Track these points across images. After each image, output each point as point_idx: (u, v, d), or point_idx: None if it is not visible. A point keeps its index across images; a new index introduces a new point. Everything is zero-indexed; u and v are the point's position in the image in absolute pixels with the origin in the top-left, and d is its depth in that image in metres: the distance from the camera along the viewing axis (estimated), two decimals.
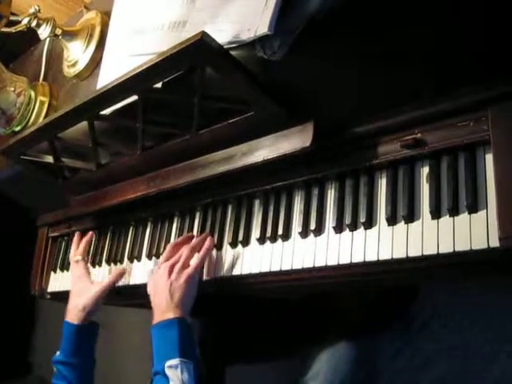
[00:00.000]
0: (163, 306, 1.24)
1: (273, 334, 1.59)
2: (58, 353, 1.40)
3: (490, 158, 0.96)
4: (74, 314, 1.40)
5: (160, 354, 1.20)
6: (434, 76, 0.98)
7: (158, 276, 1.29)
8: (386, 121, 1.06)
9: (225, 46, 1.06)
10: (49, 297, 1.92)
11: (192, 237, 1.39)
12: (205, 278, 1.32)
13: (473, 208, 0.96)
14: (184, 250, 1.31)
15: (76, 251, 1.57)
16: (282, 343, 1.60)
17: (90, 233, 1.60)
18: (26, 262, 2.01)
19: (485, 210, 0.95)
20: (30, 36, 1.54)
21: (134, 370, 2.55)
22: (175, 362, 1.16)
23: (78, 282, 1.47)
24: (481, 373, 1.63)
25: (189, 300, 1.27)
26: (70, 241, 1.87)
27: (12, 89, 1.60)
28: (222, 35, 1.07)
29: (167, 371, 1.15)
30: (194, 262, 1.29)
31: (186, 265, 1.29)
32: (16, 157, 1.52)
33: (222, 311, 1.59)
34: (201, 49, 1.02)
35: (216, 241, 1.35)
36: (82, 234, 1.64)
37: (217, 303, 1.55)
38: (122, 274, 1.48)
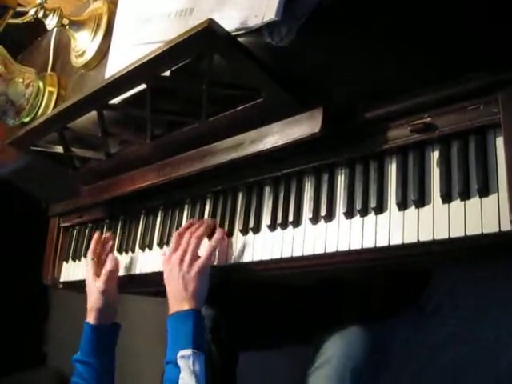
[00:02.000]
0: (178, 297, 1.25)
1: (286, 320, 1.59)
2: (78, 351, 1.41)
3: (500, 141, 0.95)
4: (89, 314, 1.42)
5: (174, 345, 1.21)
6: (444, 59, 0.97)
7: (169, 267, 1.30)
8: (395, 105, 1.05)
9: (232, 33, 1.06)
10: (61, 286, 1.93)
11: (194, 222, 1.39)
12: (216, 264, 1.32)
13: (484, 192, 0.95)
14: (191, 240, 1.31)
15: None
16: (295, 329, 1.60)
17: (97, 233, 1.61)
18: (40, 252, 2.02)
19: (496, 194, 0.94)
20: (37, 27, 1.54)
21: (146, 357, 2.57)
22: (188, 352, 1.18)
23: (87, 282, 1.48)
24: (494, 356, 1.63)
25: (203, 291, 1.28)
26: (82, 230, 1.88)
27: (20, 80, 1.60)
28: (229, 22, 1.07)
29: (179, 361, 1.17)
30: (205, 252, 1.30)
31: (195, 255, 1.29)
32: (26, 148, 1.53)
33: (234, 298, 1.59)
34: (208, 36, 1.02)
35: (227, 228, 1.36)
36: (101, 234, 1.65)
37: (229, 290, 1.56)
38: (114, 269, 1.48)
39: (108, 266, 1.47)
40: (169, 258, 1.32)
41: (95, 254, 1.54)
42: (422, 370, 1.74)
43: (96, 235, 1.59)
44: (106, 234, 1.63)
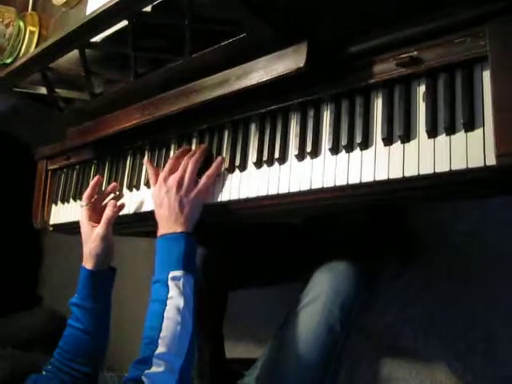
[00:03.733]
0: (172, 219, 1.26)
1: (274, 257, 1.60)
2: (75, 295, 1.41)
3: (487, 75, 0.94)
4: (86, 259, 1.39)
5: (164, 265, 1.22)
6: None
7: (165, 188, 1.30)
8: (381, 39, 1.04)
9: None
10: (51, 229, 1.93)
11: (189, 149, 1.39)
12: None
13: (469, 126, 0.94)
14: (189, 164, 1.31)
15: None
16: (283, 267, 1.61)
17: (97, 177, 1.56)
18: (30, 196, 2.01)
19: (481, 128, 0.93)
20: None
21: (134, 297, 2.59)
22: (179, 273, 1.19)
23: (82, 228, 1.45)
24: (481, 291, 1.65)
25: (195, 216, 1.29)
26: (70, 172, 1.87)
27: (0, 19, 1.57)
28: None
29: (169, 282, 1.18)
30: (204, 179, 1.30)
31: (193, 179, 1.30)
32: (9, 89, 1.50)
33: (223, 237, 1.60)
34: None
35: None
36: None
37: (217, 229, 1.56)
38: (115, 207, 1.44)
39: (110, 211, 1.43)
40: (164, 180, 1.32)
41: (91, 198, 1.51)
42: (407, 306, 1.77)
43: (95, 179, 1.54)
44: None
